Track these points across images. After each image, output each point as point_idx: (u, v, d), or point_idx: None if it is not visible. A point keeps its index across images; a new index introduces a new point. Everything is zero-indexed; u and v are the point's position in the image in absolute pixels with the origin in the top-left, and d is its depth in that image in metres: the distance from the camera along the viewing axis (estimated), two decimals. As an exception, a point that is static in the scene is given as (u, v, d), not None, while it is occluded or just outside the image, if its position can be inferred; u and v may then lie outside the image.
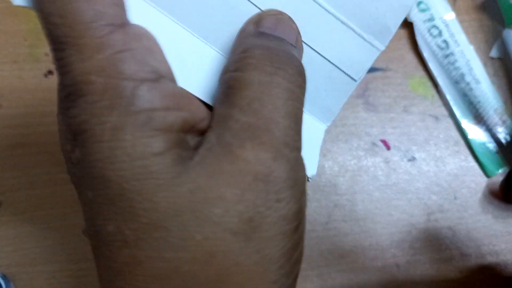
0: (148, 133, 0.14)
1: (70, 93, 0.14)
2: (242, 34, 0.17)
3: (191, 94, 0.16)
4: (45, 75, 0.36)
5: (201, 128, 0.15)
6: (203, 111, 0.16)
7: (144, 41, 0.15)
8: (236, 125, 0.14)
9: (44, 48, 0.36)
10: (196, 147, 0.15)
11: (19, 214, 0.33)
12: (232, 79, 0.15)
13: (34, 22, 0.36)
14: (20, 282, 0.32)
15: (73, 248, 0.33)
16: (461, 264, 0.34)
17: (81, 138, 0.14)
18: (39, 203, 0.33)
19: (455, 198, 0.35)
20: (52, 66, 0.36)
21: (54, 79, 0.35)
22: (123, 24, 0.14)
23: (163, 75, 0.15)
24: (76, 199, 0.34)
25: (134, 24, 0.15)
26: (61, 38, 0.13)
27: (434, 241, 0.35)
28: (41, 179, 0.34)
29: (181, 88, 0.15)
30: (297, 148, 0.15)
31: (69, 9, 0.13)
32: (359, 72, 0.18)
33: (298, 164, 0.15)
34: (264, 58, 0.15)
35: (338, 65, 0.18)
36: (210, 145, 0.15)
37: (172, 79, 0.15)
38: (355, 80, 0.19)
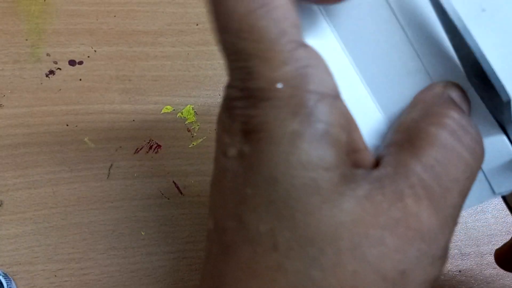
0: (324, 146, 0.14)
1: (253, 96, 0.15)
2: (431, 93, 0.17)
3: (355, 121, 0.16)
4: (46, 75, 0.36)
5: (356, 158, 0.16)
6: (363, 142, 0.16)
7: (323, 61, 0.16)
8: (415, 180, 0.15)
9: (45, 48, 0.36)
10: (357, 177, 0.15)
11: (20, 213, 0.33)
12: (423, 131, 0.16)
13: (35, 22, 0.37)
14: (21, 281, 0.33)
15: (74, 247, 0.33)
16: (460, 264, 0.35)
17: (256, 137, 0.15)
18: (40, 202, 0.34)
19: (455, 197, 0.36)
20: (53, 66, 0.36)
21: (55, 79, 0.36)
22: (303, 43, 0.15)
23: (339, 95, 0.16)
24: (77, 198, 0.34)
25: (310, 45, 0.16)
26: (249, 50, 0.15)
27: (434, 240, 0.35)
28: (42, 178, 0.34)
29: (351, 112, 0.16)
30: (456, 224, 0.16)
31: (258, 26, 0.15)
32: (503, 188, 0.18)
33: (451, 239, 0.16)
34: (460, 127, 0.16)
35: (485, 171, 0.18)
36: (381, 185, 0.15)
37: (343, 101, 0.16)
38: (494, 193, 0.18)
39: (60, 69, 0.36)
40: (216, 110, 0.36)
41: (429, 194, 0.15)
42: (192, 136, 0.35)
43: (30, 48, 0.36)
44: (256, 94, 0.15)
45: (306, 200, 0.14)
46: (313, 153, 0.14)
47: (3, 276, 0.32)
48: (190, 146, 0.35)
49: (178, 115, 0.35)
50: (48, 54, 0.36)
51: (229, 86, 0.16)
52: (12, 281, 0.32)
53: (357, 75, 0.18)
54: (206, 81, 0.36)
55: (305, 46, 0.15)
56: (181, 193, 0.34)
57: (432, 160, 0.15)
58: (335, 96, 0.15)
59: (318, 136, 0.14)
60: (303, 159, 0.14)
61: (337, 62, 0.17)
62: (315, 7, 0.18)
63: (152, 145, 0.35)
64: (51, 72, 0.36)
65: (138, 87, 0.36)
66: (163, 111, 0.35)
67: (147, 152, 0.35)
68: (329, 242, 0.14)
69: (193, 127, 0.35)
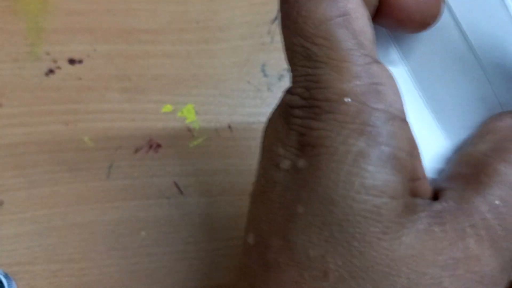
0: (390, 171, 0.13)
1: (317, 106, 0.14)
2: (501, 124, 0.16)
3: (419, 148, 0.15)
4: (46, 74, 0.36)
5: (415, 186, 0.15)
6: (423, 171, 0.15)
7: (394, 81, 0.15)
8: (478, 219, 0.14)
9: (45, 47, 0.36)
10: (417, 208, 0.14)
11: (20, 213, 0.33)
12: (491, 167, 0.15)
13: (34, 21, 0.36)
14: (21, 281, 0.33)
15: (74, 247, 0.33)
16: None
17: (315, 151, 0.14)
18: (40, 202, 0.34)
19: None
20: (52, 65, 0.36)
21: (54, 78, 0.35)
22: (377, 60, 0.15)
23: (406, 119, 0.15)
24: (77, 198, 0.34)
25: (383, 63, 0.15)
26: (321, 58, 0.14)
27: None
28: (42, 178, 0.34)
29: (415, 138, 0.15)
30: None
31: (335, 34, 0.14)
32: None
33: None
34: None
35: None
36: (442, 220, 0.14)
37: None
38: None
39: (59, 68, 0.36)
40: (217, 109, 0.36)
41: (491, 236, 0.14)
42: (193, 136, 0.35)
43: (30, 47, 0.36)
44: (321, 105, 0.14)
45: (365, 228, 0.13)
46: (379, 177, 0.13)
47: (3, 276, 0.32)
48: (190, 146, 0.35)
49: (178, 114, 0.35)
50: (47, 53, 0.36)
51: (290, 92, 0.15)
52: (13, 281, 0.32)
53: (420, 98, 0.17)
54: (206, 80, 0.36)
55: (378, 63, 0.14)
56: (182, 193, 0.34)
57: (498, 199, 0.14)
58: (403, 119, 0.14)
59: (384, 159, 0.13)
60: (368, 183, 0.13)
61: (402, 85, 0.17)
62: (382, 30, 0.17)
63: (152, 144, 0.35)
64: (51, 71, 0.36)
65: (138, 86, 0.36)
66: (163, 110, 0.35)
67: (147, 152, 0.34)
68: (384, 277, 0.13)
69: (193, 126, 0.35)
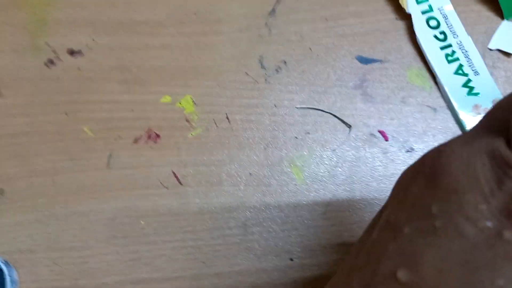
0: None
1: None
2: None
3: None
4: (46, 65, 0.36)
5: None
6: None
7: None
8: None
9: (45, 38, 0.36)
10: None
11: (21, 201, 0.34)
12: None
13: (35, 12, 0.37)
14: (22, 269, 0.33)
15: (74, 236, 0.33)
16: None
17: None
18: (41, 191, 0.34)
19: (452, 188, 0.36)
20: (53, 55, 0.36)
21: (55, 69, 0.36)
22: None
23: None
24: (77, 187, 0.34)
25: None
26: None
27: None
28: (43, 167, 0.34)
29: None
30: None
31: None
32: None
33: None
34: None
35: None
36: None
37: None
38: None
39: (59, 58, 0.36)
40: (215, 100, 0.36)
41: None
42: (191, 126, 0.35)
43: (30, 38, 0.36)
44: None
45: None
46: None
47: (4, 263, 0.32)
48: (189, 136, 0.35)
49: (176, 105, 0.35)
50: (48, 44, 0.36)
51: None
52: (13, 269, 0.32)
53: None
54: (205, 72, 0.36)
55: None
56: (180, 182, 0.34)
57: None
58: None
59: None
60: None
61: None
62: None
63: (151, 134, 0.35)
64: (51, 62, 0.36)
65: (137, 77, 0.36)
66: (161, 101, 0.35)
67: (146, 142, 0.35)
68: None
69: (191, 117, 0.35)
